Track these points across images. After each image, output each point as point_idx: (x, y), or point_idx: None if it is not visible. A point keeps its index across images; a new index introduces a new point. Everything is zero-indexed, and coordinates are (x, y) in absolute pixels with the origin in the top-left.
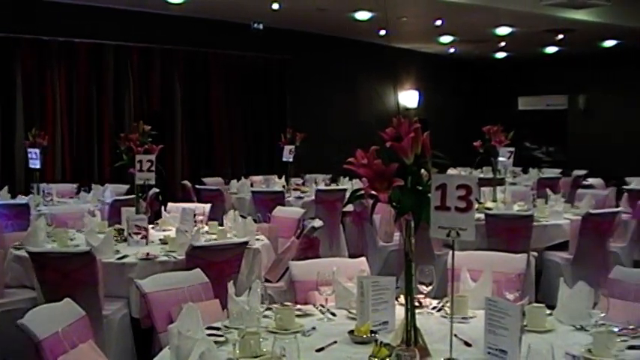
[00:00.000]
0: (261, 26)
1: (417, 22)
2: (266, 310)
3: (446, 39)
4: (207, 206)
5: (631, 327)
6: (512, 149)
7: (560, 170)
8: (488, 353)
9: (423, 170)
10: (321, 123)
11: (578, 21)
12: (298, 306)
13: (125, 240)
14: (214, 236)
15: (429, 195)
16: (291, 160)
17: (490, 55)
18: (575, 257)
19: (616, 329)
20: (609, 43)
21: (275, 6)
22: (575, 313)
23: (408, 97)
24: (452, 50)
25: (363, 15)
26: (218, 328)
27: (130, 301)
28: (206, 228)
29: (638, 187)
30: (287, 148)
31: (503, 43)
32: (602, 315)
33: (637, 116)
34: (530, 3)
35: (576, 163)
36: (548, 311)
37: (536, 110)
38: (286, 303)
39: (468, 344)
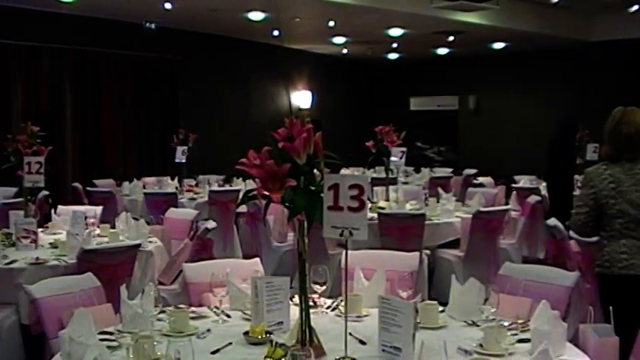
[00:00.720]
0: (153, 26)
1: (310, 23)
2: (160, 313)
3: (339, 40)
4: (99, 209)
5: (520, 321)
6: (404, 149)
7: (451, 169)
8: (383, 351)
9: (315, 170)
10: (214, 124)
11: (468, 23)
12: (192, 308)
13: (13, 244)
14: (106, 239)
15: (322, 195)
16: (183, 161)
17: (383, 56)
18: (467, 254)
19: (506, 324)
20: (498, 45)
21: (168, 5)
22: (466, 309)
23: (301, 98)
24: (345, 51)
25: (256, 15)
26: (111, 333)
27: (19, 308)
28: (98, 231)
29: (526, 185)
30: (179, 149)
31: (395, 45)
32: (493, 310)
33: (525, 116)
34: (421, 5)
35: (467, 163)
36: (440, 308)
37: (428, 110)
38: (180, 305)
39: (362, 342)
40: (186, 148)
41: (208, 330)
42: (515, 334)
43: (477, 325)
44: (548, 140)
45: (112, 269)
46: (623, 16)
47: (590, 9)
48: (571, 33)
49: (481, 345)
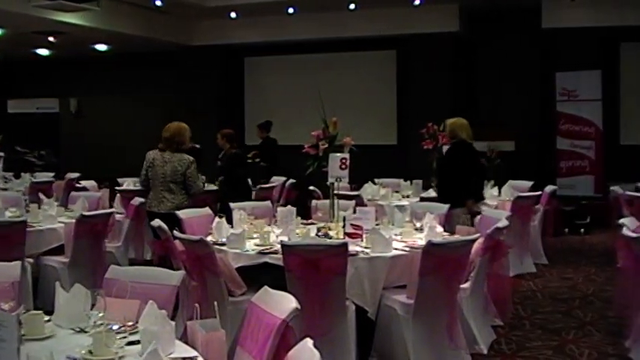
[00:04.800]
0: None
1: None
2: None
3: None
4: None
5: (129, 323)
6: (1, 154)
7: (53, 174)
8: None
9: None
10: None
11: (69, 24)
12: None
13: None
14: None
15: None
16: None
17: None
18: (72, 260)
19: (115, 327)
20: (101, 47)
21: None
22: (73, 317)
23: None
24: None
25: None
26: None
27: None
28: None
29: (130, 187)
30: None
31: None
32: (101, 315)
33: (128, 118)
34: (18, 4)
35: (70, 166)
36: (46, 317)
37: (27, 113)
38: None
39: None
40: None
41: None
42: (125, 337)
43: (86, 332)
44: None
45: None
46: (223, 22)
47: (191, 14)
48: (173, 37)
49: (90, 351)
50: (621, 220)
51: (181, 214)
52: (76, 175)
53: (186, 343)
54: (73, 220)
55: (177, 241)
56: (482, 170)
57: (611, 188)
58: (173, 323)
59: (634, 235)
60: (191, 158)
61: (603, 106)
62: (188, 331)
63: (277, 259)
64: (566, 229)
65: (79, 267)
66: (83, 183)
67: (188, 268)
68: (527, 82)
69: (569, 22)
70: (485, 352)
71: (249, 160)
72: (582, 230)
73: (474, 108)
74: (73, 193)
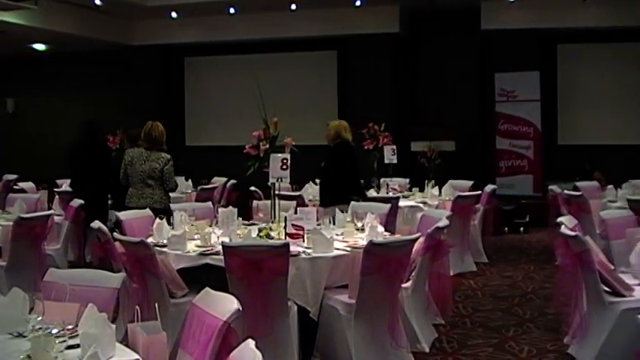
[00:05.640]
0: None
1: None
2: None
3: None
4: None
5: (69, 327)
6: None
7: None
8: None
9: None
10: None
11: (7, 23)
12: None
13: None
14: None
15: None
16: None
17: None
18: (10, 263)
19: (55, 331)
20: (39, 47)
21: None
22: (10, 321)
23: None
24: None
25: None
26: None
27: None
28: None
29: (67, 189)
30: None
31: None
32: (40, 319)
33: (67, 118)
34: None
35: (7, 167)
36: None
37: None
38: None
39: None
40: None
41: None
42: (64, 341)
43: (24, 336)
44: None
45: None
46: (164, 22)
47: (131, 13)
48: (112, 36)
49: (29, 356)
50: (559, 219)
51: (121, 215)
52: (13, 176)
53: (127, 346)
54: (11, 223)
55: (117, 243)
56: (360, 170)
57: (550, 187)
58: (113, 326)
59: (572, 233)
60: (168, 156)
61: (542, 107)
62: (129, 333)
63: (218, 260)
64: (506, 228)
65: (17, 270)
66: (21, 184)
67: (128, 270)
68: (467, 83)
69: (508, 24)
70: (427, 350)
71: None
72: (522, 229)
73: (415, 108)
74: (11, 195)
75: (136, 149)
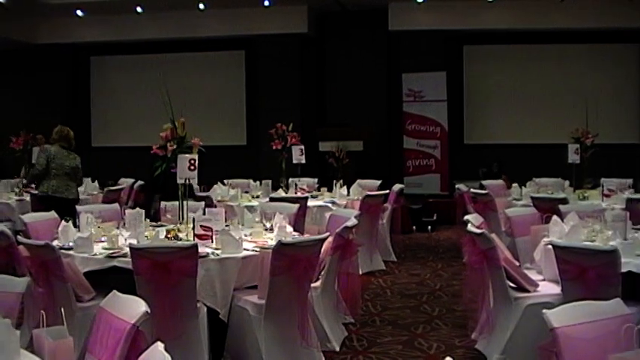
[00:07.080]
0: None
1: None
2: None
3: None
4: None
5: None
6: None
7: None
8: None
9: None
10: None
11: None
12: None
13: None
14: None
15: None
16: None
17: None
18: None
19: None
20: None
21: None
22: None
23: None
24: None
25: None
26: None
27: None
28: None
29: None
30: None
31: None
32: None
33: None
34: None
35: None
36: None
37: None
38: None
39: None
40: None
41: None
42: None
43: None
44: None
45: None
46: (69, 20)
47: (36, 11)
48: (16, 34)
49: None
50: (466, 217)
51: (26, 218)
52: None
53: (32, 352)
54: None
55: (21, 247)
56: None
57: (457, 186)
58: (18, 332)
59: (478, 231)
60: (79, 157)
61: (448, 107)
62: (34, 339)
63: (126, 263)
64: (414, 227)
65: None
66: None
67: (33, 274)
68: (374, 83)
69: (415, 25)
70: (337, 349)
71: None
72: (429, 227)
73: (323, 108)
74: None
75: (53, 147)
